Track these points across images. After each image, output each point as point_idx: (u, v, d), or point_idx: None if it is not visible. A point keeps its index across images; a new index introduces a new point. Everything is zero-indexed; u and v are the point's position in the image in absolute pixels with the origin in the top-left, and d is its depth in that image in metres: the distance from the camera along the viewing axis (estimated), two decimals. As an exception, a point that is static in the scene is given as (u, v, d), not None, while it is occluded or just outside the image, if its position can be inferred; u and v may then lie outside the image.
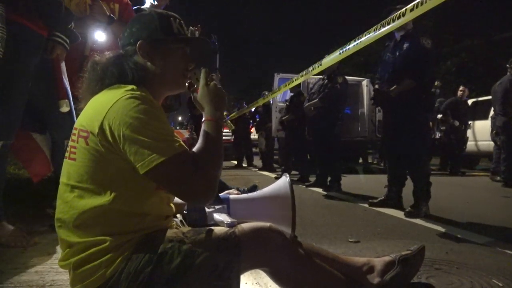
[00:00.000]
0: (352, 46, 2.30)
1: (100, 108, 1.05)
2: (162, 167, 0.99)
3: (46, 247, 2.05)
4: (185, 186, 1.03)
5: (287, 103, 6.57)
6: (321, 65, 2.79)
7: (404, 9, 1.94)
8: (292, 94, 6.58)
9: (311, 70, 2.95)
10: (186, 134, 8.53)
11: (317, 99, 5.11)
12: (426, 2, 1.74)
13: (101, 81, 1.16)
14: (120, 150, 1.02)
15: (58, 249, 1.12)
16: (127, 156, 1.01)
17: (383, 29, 2.06)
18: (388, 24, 2.02)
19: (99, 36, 2.53)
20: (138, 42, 1.17)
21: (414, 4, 1.83)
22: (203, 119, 1.18)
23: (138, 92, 1.07)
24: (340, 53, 2.45)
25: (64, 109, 2.24)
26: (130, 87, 1.10)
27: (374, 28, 2.13)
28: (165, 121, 1.07)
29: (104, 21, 2.46)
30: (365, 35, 2.18)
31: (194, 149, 1.11)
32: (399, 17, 1.95)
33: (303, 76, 3.18)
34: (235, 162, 9.86)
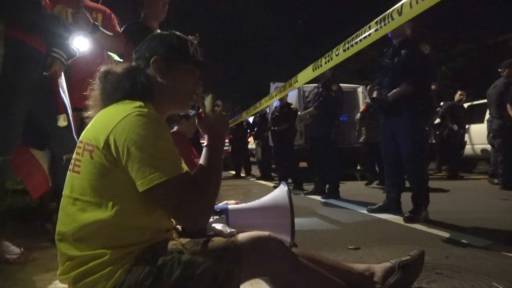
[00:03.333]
0: (325, 64, 2.36)
1: (107, 123, 1.06)
2: (162, 187, 1.01)
3: (46, 262, 2.04)
4: (182, 208, 1.05)
5: (277, 113, 6.66)
6: (297, 81, 2.84)
7: (368, 25, 1.95)
8: (280, 104, 6.70)
9: (288, 86, 3.00)
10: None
11: (312, 107, 5.17)
12: (390, 22, 1.77)
13: (113, 95, 1.18)
14: (123, 166, 1.03)
15: (58, 264, 1.12)
16: (129, 172, 1.02)
17: (351, 48, 2.09)
18: (352, 46, 2.05)
19: (82, 44, 2.52)
20: (154, 57, 1.20)
21: (376, 21, 1.86)
22: (205, 143, 1.20)
23: (146, 110, 1.08)
24: (313, 70, 2.51)
25: (62, 123, 2.24)
26: (139, 103, 1.11)
27: (342, 46, 2.16)
28: (170, 140, 1.09)
29: (87, 30, 2.46)
30: (335, 54, 2.22)
31: (194, 172, 1.13)
32: (364, 38, 1.96)
33: (281, 92, 3.25)
34: (233, 172, 9.85)
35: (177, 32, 1.28)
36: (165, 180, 1.00)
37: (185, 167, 1.08)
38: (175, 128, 3.21)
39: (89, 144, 1.07)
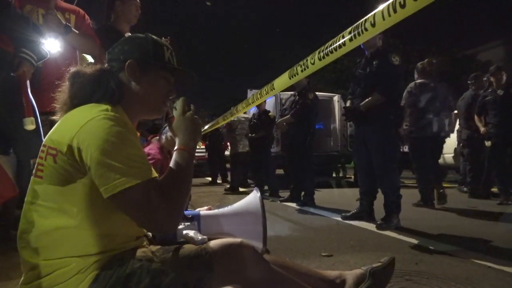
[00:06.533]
0: (301, 72, 2.36)
1: (72, 126, 1.02)
2: (127, 193, 0.96)
3: (7, 271, 1.96)
4: (148, 215, 0.99)
5: (254, 120, 6.68)
6: (274, 88, 2.84)
7: (343, 39, 1.96)
8: (257, 111, 6.75)
9: (265, 93, 2.98)
10: None
11: (289, 115, 5.22)
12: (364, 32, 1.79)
13: (80, 97, 1.14)
14: (86, 171, 0.99)
15: (20, 273, 1.07)
16: (93, 178, 0.98)
17: (327, 57, 2.10)
18: (327, 55, 2.05)
19: (53, 46, 2.45)
20: (128, 61, 1.17)
21: (350, 30, 1.89)
22: (175, 148, 1.17)
23: (112, 113, 1.05)
24: (290, 78, 2.51)
25: (30, 127, 2.16)
26: (105, 107, 1.07)
27: (318, 54, 2.17)
28: (137, 145, 1.05)
29: (59, 31, 2.40)
30: (310, 62, 2.22)
31: (163, 177, 1.08)
32: (339, 47, 1.98)
33: (258, 99, 3.23)
34: (210, 179, 9.79)
35: (153, 36, 1.25)
36: (129, 186, 0.96)
37: (153, 172, 1.04)
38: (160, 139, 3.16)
39: (52, 148, 1.03)
